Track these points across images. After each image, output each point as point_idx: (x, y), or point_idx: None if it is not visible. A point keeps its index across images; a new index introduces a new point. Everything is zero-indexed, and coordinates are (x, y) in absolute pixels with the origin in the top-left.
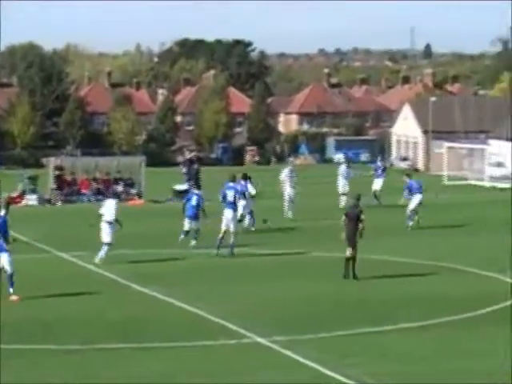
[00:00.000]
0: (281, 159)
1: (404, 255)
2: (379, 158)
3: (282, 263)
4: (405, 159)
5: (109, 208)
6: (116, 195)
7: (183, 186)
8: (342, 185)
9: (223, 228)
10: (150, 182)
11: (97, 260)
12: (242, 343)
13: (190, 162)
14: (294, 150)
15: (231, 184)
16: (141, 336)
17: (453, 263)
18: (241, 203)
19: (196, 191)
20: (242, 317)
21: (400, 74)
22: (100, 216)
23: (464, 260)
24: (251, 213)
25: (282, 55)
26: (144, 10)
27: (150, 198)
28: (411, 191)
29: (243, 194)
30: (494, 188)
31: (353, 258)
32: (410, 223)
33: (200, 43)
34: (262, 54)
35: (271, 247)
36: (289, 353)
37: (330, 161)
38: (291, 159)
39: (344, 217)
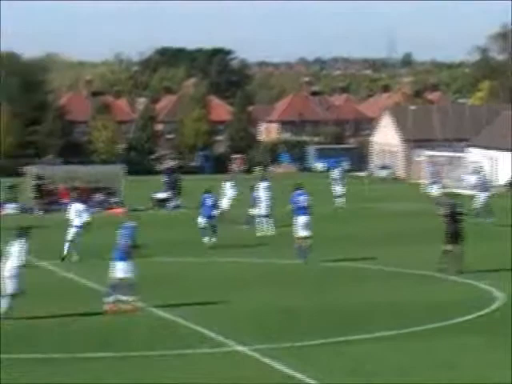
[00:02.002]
0: (265, 167)
1: (386, 263)
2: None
3: (264, 271)
4: (384, 167)
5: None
6: (97, 204)
7: (163, 195)
8: (339, 188)
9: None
10: (130, 191)
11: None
12: (222, 351)
13: (171, 170)
14: (275, 159)
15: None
16: (119, 344)
17: (431, 271)
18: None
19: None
20: (221, 324)
21: (379, 82)
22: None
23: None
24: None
25: (262, 63)
26: (123, 18)
27: (131, 207)
28: None
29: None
30: (473, 196)
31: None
32: None
33: (180, 52)
34: (243, 63)
35: (255, 255)
36: (268, 361)
37: (310, 169)
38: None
39: (445, 215)
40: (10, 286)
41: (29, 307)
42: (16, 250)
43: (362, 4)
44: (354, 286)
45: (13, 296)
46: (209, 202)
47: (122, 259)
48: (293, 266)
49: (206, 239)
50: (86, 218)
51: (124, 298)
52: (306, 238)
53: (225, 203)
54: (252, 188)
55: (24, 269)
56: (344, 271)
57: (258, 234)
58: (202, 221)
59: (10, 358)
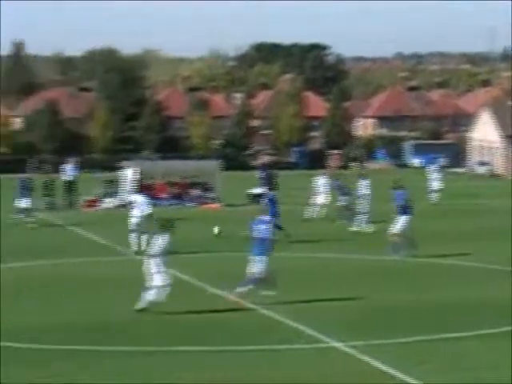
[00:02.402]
0: (361, 163)
1: (481, 260)
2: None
3: (358, 267)
4: (483, 164)
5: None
6: (192, 199)
7: (259, 190)
8: (436, 183)
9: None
10: (225, 186)
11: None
12: (318, 347)
13: (266, 165)
14: (370, 155)
15: (401, 191)
16: (215, 339)
17: None
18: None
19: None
20: (318, 321)
21: (479, 77)
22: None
23: None
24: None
25: (358, 59)
26: (220, 13)
27: (226, 202)
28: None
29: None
30: None
31: None
32: None
33: (276, 47)
34: (339, 58)
35: (352, 252)
36: (366, 358)
37: (406, 165)
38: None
39: None
40: (157, 279)
41: (128, 301)
42: (159, 244)
43: None
44: (449, 283)
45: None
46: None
47: (260, 254)
48: (388, 262)
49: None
50: (146, 210)
51: (264, 292)
52: (399, 235)
53: (321, 199)
54: (344, 185)
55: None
56: (438, 267)
57: (354, 229)
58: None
59: (115, 351)
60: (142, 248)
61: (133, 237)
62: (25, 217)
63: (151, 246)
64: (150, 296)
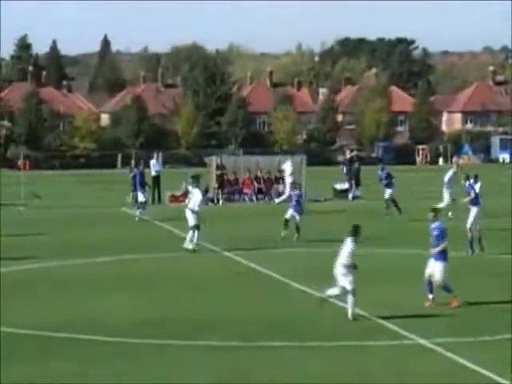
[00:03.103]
0: (446, 159)
1: None
2: None
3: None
4: None
5: (194, 197)
6: (277, 194)
7: (344, 185)
8: None
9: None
10: (310, 181)
11: (186, 245)
12: (404, 344)
13: (351, 161)
14: (458, 150)
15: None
16: (300, 335)
17: None
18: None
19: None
20: (401, 317)
21: None
22: None
23: None
24: None
25: (445, 53)
26: (303, 9)
27: (310, 198)
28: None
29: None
30: None
31: None
32: None
33: (361, 42)
34: (425, 52)
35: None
36: (452, 355)
37: (495, 161)
38: (455, 159)
39: None
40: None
41: (214, 296)
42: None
43: None
44: None
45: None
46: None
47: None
48: (467, 258)
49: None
50: (198, 206)
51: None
52: (474, 229)
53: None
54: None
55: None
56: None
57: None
58: None
59: (195, 345)
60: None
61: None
62: (141, 210)
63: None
64: (333, 291)
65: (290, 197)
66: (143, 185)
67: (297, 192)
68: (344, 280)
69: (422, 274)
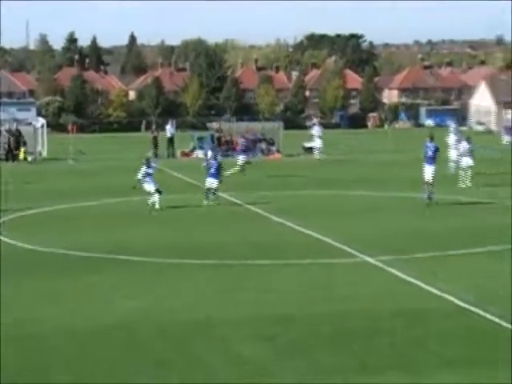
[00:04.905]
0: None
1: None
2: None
3: (389, 203)
4: (480, 124)
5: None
6: (261, 151)
7: (310, 144)
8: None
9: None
10: (286, 141)
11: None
12: (356, 262)
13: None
14: (395, 117)
15: (430, 143)
16: (278, 255)
17: None
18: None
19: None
20: (356, 242)
21: (477, 58)
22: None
23: None
24: None
25: (386, 45)
26: (282, 11)
27: (286, 153)
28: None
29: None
30: None
31: None
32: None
33: (324, 37)
34: (371, 44)
35: (383, 190)
36: (391, 270)
37: (422, 125)
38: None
39: None
40: None
41: (215, 229)
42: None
43: None
44: (459, 214)
45: None
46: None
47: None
48: (405, 198)
49: None
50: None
51: None
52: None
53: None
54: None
55: None
56: (457, 203)
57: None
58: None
59: (192, 263)
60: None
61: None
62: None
63: None
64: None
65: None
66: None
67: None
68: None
69: (377, 211)
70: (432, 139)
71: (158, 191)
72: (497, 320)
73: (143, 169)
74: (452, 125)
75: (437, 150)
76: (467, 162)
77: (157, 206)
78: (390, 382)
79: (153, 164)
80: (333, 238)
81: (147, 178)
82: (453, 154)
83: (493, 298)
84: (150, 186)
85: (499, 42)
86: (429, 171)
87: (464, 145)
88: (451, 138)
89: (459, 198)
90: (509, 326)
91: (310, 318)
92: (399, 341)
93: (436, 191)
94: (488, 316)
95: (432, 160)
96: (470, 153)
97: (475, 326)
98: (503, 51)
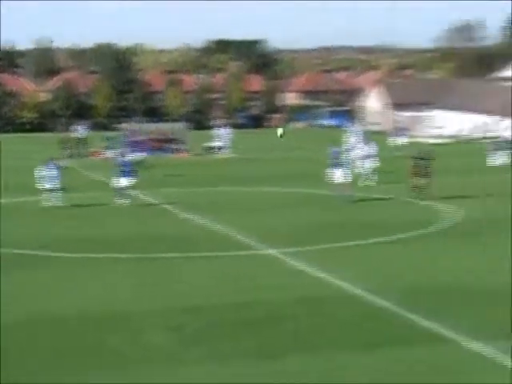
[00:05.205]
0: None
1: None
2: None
3: (288, 198)
4: (373, 124)
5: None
6: (169, 150)
7: (215, 143)
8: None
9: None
10: (192, 141)
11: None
12: (261, 254)
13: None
14: (295, 118)
15: (334, 148)
16: (189, 248)
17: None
18: None
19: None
20: (261, 236)
21: (370, 62)
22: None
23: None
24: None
25: (288, 50)
26: (190, 16)
27: (193, 152)
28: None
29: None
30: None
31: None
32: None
33: (230, 42)
34: (274, 50)
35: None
36: (294, 261)
37: (320, 126)
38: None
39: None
40: None
41: (116, 222)
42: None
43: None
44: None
45: None
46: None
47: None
48: (304, 193)
49: None
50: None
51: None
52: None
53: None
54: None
55: None
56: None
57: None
58: None
59: (99, 257)
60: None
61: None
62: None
63: None
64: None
65: None
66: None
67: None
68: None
69: (283, 206)
70: (335, 144)
71: (58, 189)
72: (389, 305)
73: (45, 168)
74: (351, 126)
75: (340, 153)
76: (368, 161)
77: (58, 203)
78: (290, 365)
79: (56, 163)
80: (240, 232)
81: (49, 177)
82: (354, 154)
83: (386, 286)
84: (50, 184)
85: (389, 48)
86: (337, 174)
87: (363, 145)
88: (350, 139)
89: (362, 194)
90: (401, 311)
91: (216, 308)
92: (300, 327)
93: (344, 189)
94: (383, 302)
95: (338, 163)
96: (370, 153)
97: (370, 312)
98: (392, 56)
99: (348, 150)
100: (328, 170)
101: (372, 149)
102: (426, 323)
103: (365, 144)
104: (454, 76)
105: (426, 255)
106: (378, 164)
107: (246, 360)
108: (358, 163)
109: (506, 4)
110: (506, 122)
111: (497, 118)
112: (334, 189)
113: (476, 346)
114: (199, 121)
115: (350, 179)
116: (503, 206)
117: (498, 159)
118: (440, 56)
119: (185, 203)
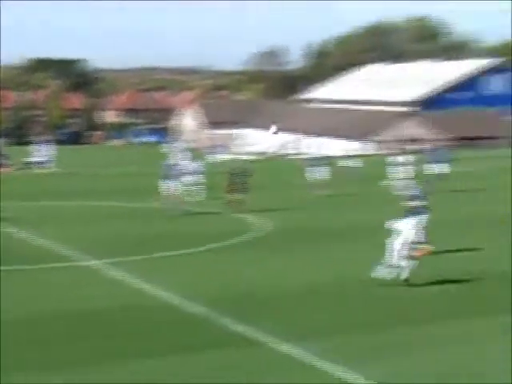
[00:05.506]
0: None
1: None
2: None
3: (112, 212)
4: (189, 141)
5: None
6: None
7: (34, 159)
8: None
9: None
10: (13, 156)
11: None
12: (82, 265)
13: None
14: (115, 135)
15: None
16: (9, 261)
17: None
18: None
19: None
20: (84, 247)
21: (187, 83)
22: None
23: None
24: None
25: (108, 70)
26: (8, 30)
27: (16, 167)
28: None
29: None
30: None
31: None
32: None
33: (50, 61)
34: (95, 69)
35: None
36: (115, 271)
37: (137, 143)
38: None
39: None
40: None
41: None
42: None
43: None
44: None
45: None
46: None
47: None
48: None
49: None
50: None
51: None
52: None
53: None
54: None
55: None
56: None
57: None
58: None
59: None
60: None
61: None
62: None
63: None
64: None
65: None
66: None
67: None
68: None
69: (109, 219)
70: (166, 158)
71: None
72: (199, 312)
73: None
74: (173, 143)
75: (170, 166)
76: (194, 177)
77: None
78: (104, 371)
79: None
80: (63, 245)
81: None
82: (181, 169)
83: (198, 293)
84: None
85: (201, 70)
86: (168, 186)
87: (190, 161)
88: (173, 155)
89: (188, 208)
90: (212, 316)
91: (38, 319)
92: (118, 334)
93: (173, 202)
94: (194, 309)
95: (169, 176)
96: (197, 169)
97: (183, 318)
98: (207, 78)
99: (176, 165)
100: (160, 183)
101: (198, 165)
102: (236, 327)
103: (191, 160)
104: (263, 97)
105: (234, 263)
106: (203, 180)
107: (70, 369)
108: (185, 178)
109: (310, 31)
110: (308, 140)
111: (300, 136)
112: (164, 201)
113: (285, 347)
114: (20, 136)
115: (178, 193)
116: (312, 218)
117: (316, 174)
118: (248, 78)
119: (7, 217)
